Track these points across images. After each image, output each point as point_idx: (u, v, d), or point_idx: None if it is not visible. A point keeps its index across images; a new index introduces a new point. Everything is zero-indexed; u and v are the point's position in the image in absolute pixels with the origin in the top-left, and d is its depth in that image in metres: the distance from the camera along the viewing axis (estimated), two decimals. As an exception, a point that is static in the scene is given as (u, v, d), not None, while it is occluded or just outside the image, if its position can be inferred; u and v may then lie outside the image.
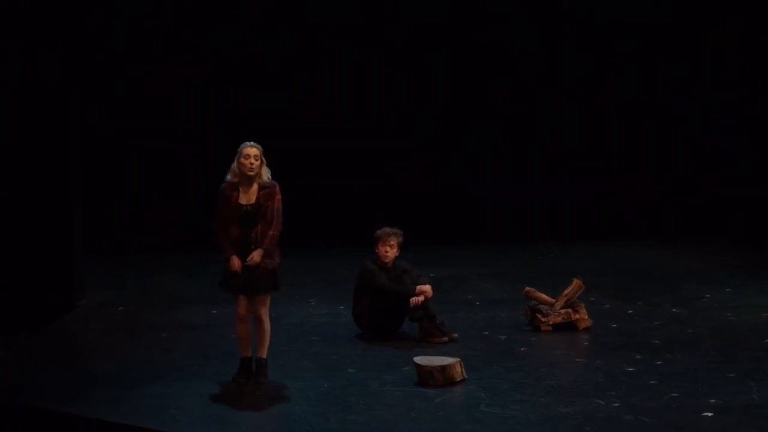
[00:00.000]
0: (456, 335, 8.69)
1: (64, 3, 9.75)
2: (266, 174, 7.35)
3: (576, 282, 9.14)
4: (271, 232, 7.31)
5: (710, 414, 6.67)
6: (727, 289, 10.77)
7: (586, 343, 8.74)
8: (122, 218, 13.18)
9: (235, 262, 7.26)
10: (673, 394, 7.10)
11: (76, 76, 10.11)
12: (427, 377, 7.37)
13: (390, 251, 8.82)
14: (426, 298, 8.65)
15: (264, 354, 7.47)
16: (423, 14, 13.77)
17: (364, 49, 13.62)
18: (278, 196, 7.35)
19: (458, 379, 7.42)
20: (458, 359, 7.53)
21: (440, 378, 7.35)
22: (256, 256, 7.26)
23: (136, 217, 13.20)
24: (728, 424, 6.49)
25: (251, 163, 7.26)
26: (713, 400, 6.95)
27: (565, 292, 9.10)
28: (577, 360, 8.28)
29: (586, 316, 9.10)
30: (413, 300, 8.61)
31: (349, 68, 13.65)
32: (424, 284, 8.75)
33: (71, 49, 9.90)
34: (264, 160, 7.34)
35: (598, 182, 14.17)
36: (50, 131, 9.65)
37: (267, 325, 7.45)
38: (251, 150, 7.29)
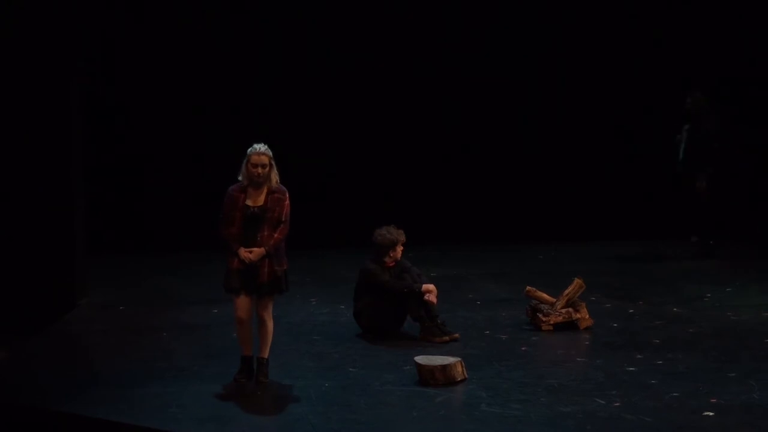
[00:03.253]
0: (457, 335, 8.69)
1: (64, 3, 9.75)
2: (275, 177, 7.36)
3: (577, 281, 9.14)
4: (276, 235, 7.32)
5: (711, 414, 6.67)
6: (728, 289, 10.76)
7: (587, 343, 8.74)
8: (123, 218, 13.18)
9: (244, 252, 7.26)
10: (674, 394, 7.09)
11: (78, 75, 10.12)
12: (428, 377, 7.37)
13: (402, 250, 8.87)
14: (435, 296, 8.68)
15: (266, 354, 7.47)
16: (426, 13, 13.79)
17: (362, 48, 13.62)
18: (287, 202, 7.37)
19: (459, 379, 7.42)
20: (459, 359, 7.54)
21: (441, 377, 7.35)
22: (256, 253, 7.26)
23: (138, 217, 13.21)
24: (729, 424, 6.48)
25: (259, 173, 7.27)
26: (714, 400, 6.94)
27: (566, 291, 9.10)
28: (578, 359, 8.27)
29: (587, 316, 9.10)
30: (428, 297, 8.62)
31: (348, 68, 13.65)
32: (428, 284, 8.77)
33: (72, 49, 9.91)
34: (273, 164, 7.34)
35: (598, 182, 14.18)
36: (51, 131, 9.66)
37: (270, 325, 7.45)
38: (260, 158, 7.26)
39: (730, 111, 13.37)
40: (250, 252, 7.27)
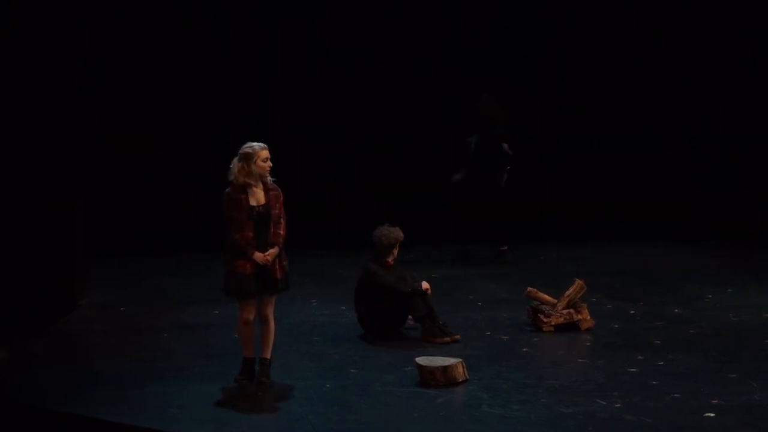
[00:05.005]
0: (458, 336, 8.68)
1: (64, 2, 9.74)
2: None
3: (578, 282, 9.12)
4: (281, 232, 7.36)
5: (712, 414, 6.68)
6: (729, 290, 10.75)
7: (587, 344, 8.74)
8: (124, 218, 13.16)
9: (260, 256, 7.27)
10: (675, 395, 7.09)
11: (78, 75, 10.10)
12: (428, 377, 7.36)
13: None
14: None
15: (268, 354, 7.47)
16: (426, 13, 13.78)
17: (362, 48, 13.60)
18: (282, 198, 7.40)
19: (460, 380, 7.41)
20: (460, 359, 7.53)
21: (442, 378, 7.34)
22: (271, 254, 7.29)
23: (138, 217, 13.19)
24: (730, 425, 6.49)
25: (270, 166, 7.31)
26: (715, 401, 6.95)
27: (567, 292, 9.08)
28: (579, 360, 8.27)
29: (588, 317, 9.09)
30: (425, 287, 8.68)
31: (348, 68, 13.63)
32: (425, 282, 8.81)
33: (72, 49, 9.89)
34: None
35: (599, 182, 14.17)
36: (52, 130, 9.64)
37: (272, 325, 7.47)
38: (265, 152, 7.30)
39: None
40: (267, 255, 7.28)
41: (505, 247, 12.62)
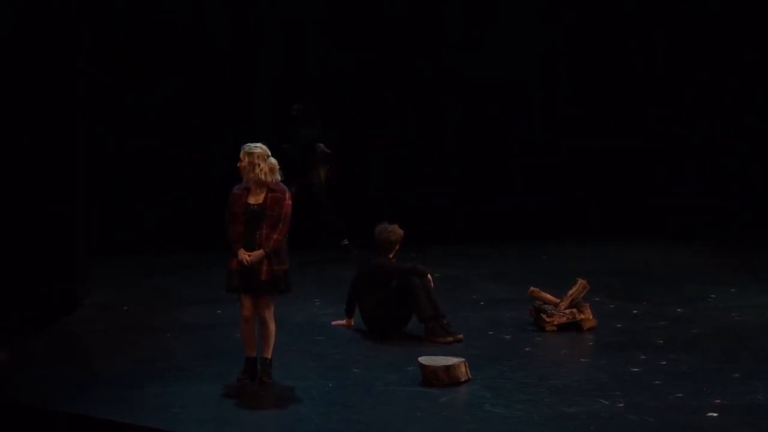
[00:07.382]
0: (461, 335, 8.66)
1: (66, 2, 9.73)
2: (267, 174, 7.34)
3: (581, 282, 9.11)
4: (275, 236, 7.32)
5: (714, 414, 6.66)
6: (732, 290, 10.73)
7: (590, 343, 8.72)
8: (125, 218, 13.15)
9: (243, 254, 7.28)
10: (678, 394, 7.09)
11: (80, 75, 10.08)
12: (431, 377, 7.35)
13: None
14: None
15: (269, 354, 7.46)
16: (426, 13, 13.78)
17: (362, 48, 13.58)
18: (287, 202, 7.38)
19: (463, 379, 7.40)
20: (463, 359, 7.52)
21: (445, 378, 7.33)
22: (255, 256, 7.28)
23: (139, 217, 13.17)
24: (732, 425, 6.49)
25: (238, 164, 7.38)
26: (717, 400, 6.94)
27: (570, 292, 9.07)
28: (582, 360, 8.27)
29: (591, 316, 9.08)
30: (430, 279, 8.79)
31: (348, 68, 13.63)
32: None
33: (75, 49, 9.87)
34: (261, 163, 7.31)
35: (601, 182, 14.17)
36: (53, 131, 9.62)
37: (272, 326, 7.44)
38: (241, 153, 7.39)
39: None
40: (249, 255, 7.28)
41: (346, 241, 12.54)
